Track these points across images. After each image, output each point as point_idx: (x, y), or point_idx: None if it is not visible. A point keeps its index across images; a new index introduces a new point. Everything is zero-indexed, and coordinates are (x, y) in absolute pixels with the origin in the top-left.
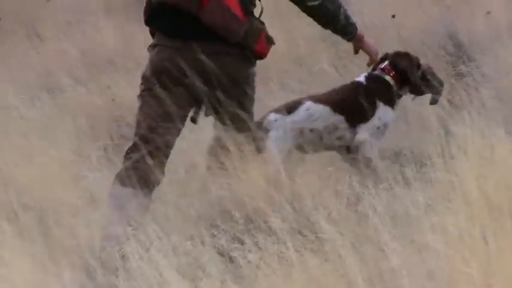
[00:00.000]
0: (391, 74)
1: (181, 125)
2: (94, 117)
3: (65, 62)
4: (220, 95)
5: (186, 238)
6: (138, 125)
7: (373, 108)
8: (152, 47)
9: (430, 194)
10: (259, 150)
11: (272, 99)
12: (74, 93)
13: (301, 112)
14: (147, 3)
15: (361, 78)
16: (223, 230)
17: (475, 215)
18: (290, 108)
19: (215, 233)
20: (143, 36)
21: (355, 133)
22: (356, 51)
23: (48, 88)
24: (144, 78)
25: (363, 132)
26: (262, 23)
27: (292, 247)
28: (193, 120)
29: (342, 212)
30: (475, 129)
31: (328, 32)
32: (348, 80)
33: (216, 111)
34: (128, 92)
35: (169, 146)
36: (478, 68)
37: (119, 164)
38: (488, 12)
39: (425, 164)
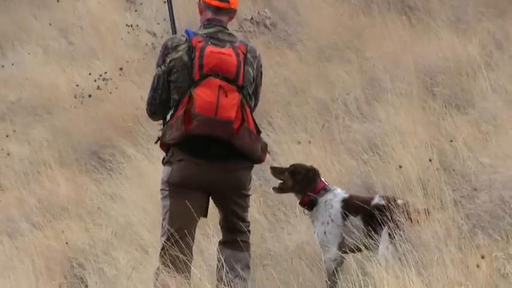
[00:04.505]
0: None
1: (200, 218)
2: (50, 258)
3: (24, 209)
4: (229, 197)
5: None
6: (171, 223)
7: None
8: (179, 160)
9: None
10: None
11: (208, 242)
12: (32, 237)
13: None
14: (179, 133)
15: None
16: None
17: None
18: None
19: None
20: (93, 187)
21: None
22: None
23: (8, 232)
24: (170, 184)
25: None
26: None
27: None
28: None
29: None
30: (389, 271)
31: (256, 182)
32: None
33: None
34: (80, 236)
35: (193, 238)
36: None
37: None
38: (400, 166)
39: None
